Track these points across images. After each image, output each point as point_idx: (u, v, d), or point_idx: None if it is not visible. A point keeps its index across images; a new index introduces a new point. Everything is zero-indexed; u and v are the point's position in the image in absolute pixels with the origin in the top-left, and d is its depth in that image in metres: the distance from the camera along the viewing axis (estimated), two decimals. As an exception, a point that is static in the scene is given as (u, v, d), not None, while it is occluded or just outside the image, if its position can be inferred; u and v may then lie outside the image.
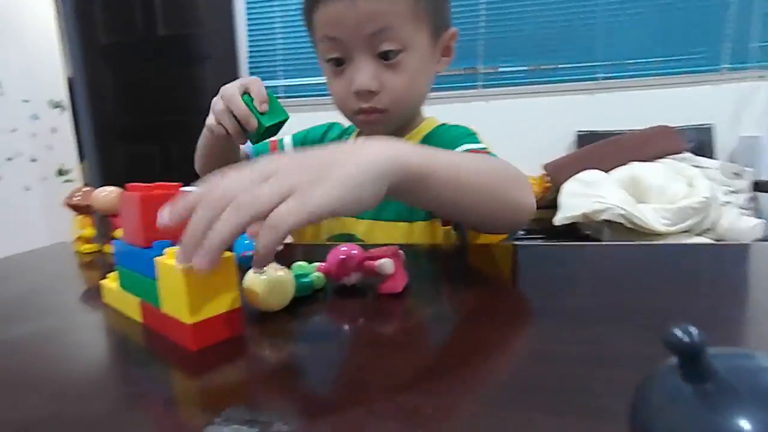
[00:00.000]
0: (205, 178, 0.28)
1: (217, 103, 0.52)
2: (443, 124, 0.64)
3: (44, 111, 3.17)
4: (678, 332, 0.09)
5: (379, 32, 0.51)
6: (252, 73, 2.31)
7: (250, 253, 0.42)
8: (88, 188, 0.52)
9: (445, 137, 0.59)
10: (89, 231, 0.54)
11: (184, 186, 0.33)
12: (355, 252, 0.36)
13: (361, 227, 0.60)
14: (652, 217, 1.49)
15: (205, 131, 0.57)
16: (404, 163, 0.31)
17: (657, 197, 1.57)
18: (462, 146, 0.55)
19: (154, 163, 2.40)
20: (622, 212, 1.48)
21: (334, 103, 0.59)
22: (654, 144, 1.76)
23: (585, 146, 2.01)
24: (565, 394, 0.20)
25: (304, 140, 0.71)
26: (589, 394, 0.20)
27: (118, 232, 0.35)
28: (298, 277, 0.34)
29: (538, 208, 1.66)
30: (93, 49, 2.43)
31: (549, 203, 1.85)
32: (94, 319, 0.36)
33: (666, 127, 1.78)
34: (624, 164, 1.73)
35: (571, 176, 1.79)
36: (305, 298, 0.35)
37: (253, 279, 0.32)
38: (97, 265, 0.50)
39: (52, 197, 3.12)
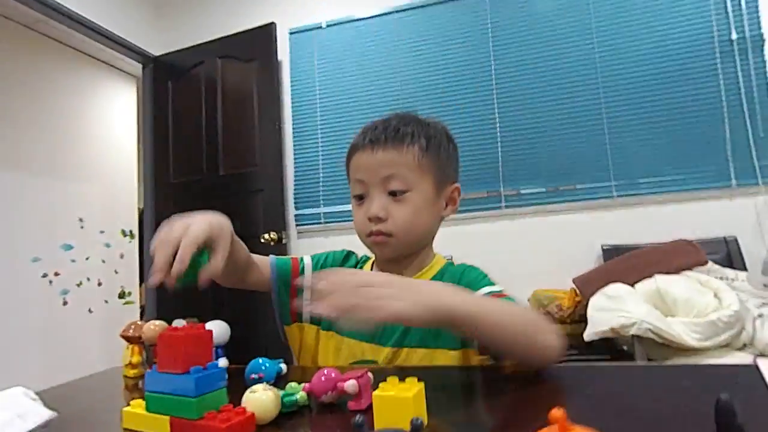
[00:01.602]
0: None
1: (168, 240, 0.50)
2: (450, 263, 0.75)
3: (116, 239, 3.60)
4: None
5: (390, 176, 0.67)
6: (297, 202, 2.61)
7: (257, 376, 0.52)
8: (140, 322, 0.66)
9: (463, 279, 0.69)
10: (136, 358, 0.66)
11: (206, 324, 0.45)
12: (333, 375, 0.45)
13: (382, 354, 0.67)
14: (683, 331, 1.45)
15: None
16: (455, 306, 0.47)
17: (685, 310, 1.54)
18: (483, 289, 0.65)
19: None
20: (649, 326, 1.46)
21: (356, 230, 0.72)
22: (675, 257, 1.77)
23: (610, 260, 2.04)
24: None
25: (324, 262, 0.79)
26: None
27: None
28: (285, 395, 0.44)
29: (571, 322, 1.65)
30: (164, 187, 2.85)
31: (581, 318, 1.84)
32: None
33: (685, 241, 1.81)
34: (648, 277, 1.73)
35: (598, 289, 1.80)
36: (293, 412, 0.44)
37: (247, 397, 0.42)
38: (139, 387, 0.61)
39: (111, 318, 3.38)
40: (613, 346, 1.78)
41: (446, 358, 0.65)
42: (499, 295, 0.64)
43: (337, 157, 2.58)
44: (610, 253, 2.12)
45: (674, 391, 0.47)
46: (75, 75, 3.32)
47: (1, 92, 2.17)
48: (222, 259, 0.52)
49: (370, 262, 0.79)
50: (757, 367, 0.49)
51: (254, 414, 0.40)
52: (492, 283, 0.68)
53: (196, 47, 2.79)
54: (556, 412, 0.17)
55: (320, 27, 2.66)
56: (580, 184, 2.26)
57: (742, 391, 0.45)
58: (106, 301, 3.41)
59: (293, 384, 0.46)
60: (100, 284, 3.38)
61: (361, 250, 0.78)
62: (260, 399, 0.42)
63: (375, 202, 0.67)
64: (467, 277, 0.70)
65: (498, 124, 2.38)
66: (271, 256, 0.78)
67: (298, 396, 0.45)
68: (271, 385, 0.45)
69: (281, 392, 0.44)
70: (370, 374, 0.45)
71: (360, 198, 0.70)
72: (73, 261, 3.18)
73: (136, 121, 3.77)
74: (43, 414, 0.41)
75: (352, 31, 2.61)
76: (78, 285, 3.20)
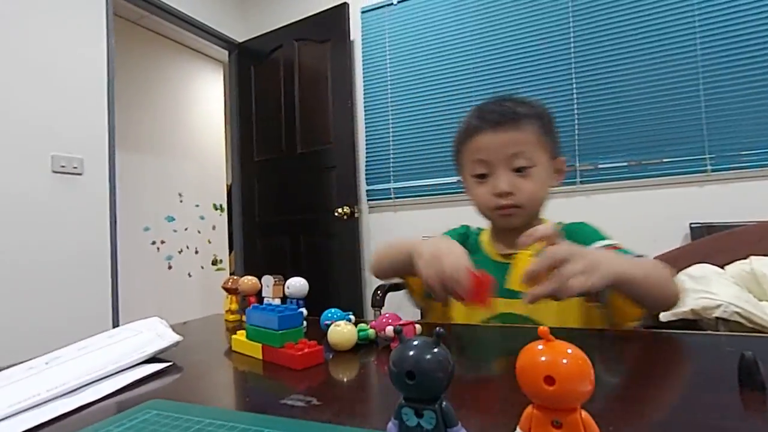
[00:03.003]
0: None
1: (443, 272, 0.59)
2: (560, 223, 0.81)
3: (209, 212, 4.01)
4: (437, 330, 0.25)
5: (516, 154, 0.73)
6: (368, 178, 2.72)
7: (329, 322, 0.61)
8: (236, 277, 0.79)
9: (578, 235, 0.75)
10: (234, 306, 0.79)
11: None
12: (385, 320, 0.56)
13: (518, 305, 0.74)
14: (777, 317, 1.34)
15: (406, 254, 0.70)
16: (622, 273, 0.56)
17: (782, 295, 1.41)
18: (599, 242, 0.73)
19: (285, 253, 2.85)
20: (737, 310, 1.36)
21: (475, 204, 0.79)
22: (776, 237, 1.61)
23: (698, 239, 1.90)
24: None
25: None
26: None
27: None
28: (360, 331, 0.56)
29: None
30: (248, 164, 3.11)
31: (658, 299, 1.75)
32: (233, 355, 0.57)
33: (790, 218, 1.63)
34: (743, 258, 1.60)
35: (682, 270, 1.70)
36: (365, 344, 0.57)
37: (333, 331, 0.54)
38: (236, 329, 0.74)
39: (206, 282, 3.81)
40: (694, 330, 1.69)
41: (575, 302, 0.73)
42: (614, 247, 0.71)
43: (407, 135, 2.63)
44: (700, 231, 1.97)
45: (715, 355, 0.48)
46: (173, 64, 3.69)
47: (121, 83, 2.50)
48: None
49: (485, 233, 0.87)
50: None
51: (322, 348, 0.51)
52: (605, 237, 0.75)
53: (275, 32, 2.96)
54: (543, 329, 0.22)
55: (391, 3, 2.68)
56: (667, 158, 2.10)
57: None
58: (202, 267, 3.84)
59: (363, 324, 0.59)
60: (197, 252, 3.80)
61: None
62: (342, 331, 0.54)
63: (502, 178, 0.73)
64: (582, 233, 0.77)
65: (575, 93, 2.27)
66: None
67: (368, 332, 0.57)
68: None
69: (357, 328, 0.56)
70: (417, 326, 0.56)
71: (481, 176, 0.76)
72: (175, 231, 3.61)
73: (223, 105, 4.10)
74: (174, 336, 0.54)
75: (423, 7, 2.61)
76: (179, 252, 3.63)
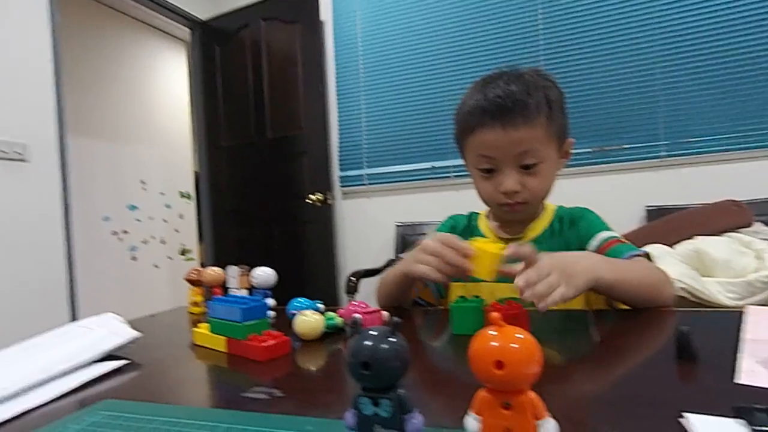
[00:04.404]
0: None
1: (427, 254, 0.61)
2: (561, 207, 0.82)
3: (175, 200, 3.88)
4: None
5: (524, 152, 0.69)
6: (341, 164, 2.69)
7: (296, 311, 0.61)
8: (200, 268, 0.77)
9: (581, 222, 0.77)
10: (199, 298, 0.78)
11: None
12: (353, 308, 0.56)
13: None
14: (717, 291, 1.44)
15: (399, 274, 0.71)
16: (600, 279, 0.57)
17: (723, 271, 1.51)
18: (601, 234, 0.74)
19: (257, 242, 2.80)
20: (683, 285, 1.45)
21: (482, 198, 0.77)
22: (719, 218, 1.72)
23: (653, 221, 2.00)
24: None
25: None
26: None
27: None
28: (328, 319, 0.56)
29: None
30: (216, 150, 3.02)
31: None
32: (197, 349, 0.56)
33: (732, 201, 1.74)
34: (689, 238, 1.70)
35: (638, 251, 1.79)
36: (333, 333, 0.57)
37: (298, 320, 0.54)
38: (200, 321, 0.73)
39: (174, 273, 3.70)
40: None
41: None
42: (617, 241, 0.72)
43: (381, 119, 2.61)
44: (655, 214, 2.08)
45: (658, 330, 0.51)
46: (133, 43, 3.50)
47: (72, 63, 2.36)
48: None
49: (483, 217, 0.87)
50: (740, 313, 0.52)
51: (289, 339, 0.51)
52: (609, 228, 0.75)
53: (241, 10, 2.84)
54: (495, 315, 0.23)
55: (362, -15, 2.63)
56: (627, 145, 2.19)
57: (717, 329, 0.49)
58: (170, 258, 3.72)
59: (331, 313, 0.59)
60: (163, 242, 3.68)
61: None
62: (308, 321, 0.54)
63: (509, 177, 0.70)
64: (585, 221, 0.77)
65: (541, 82, 2.31)
66: None
67: (337, 320, 0.57)
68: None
69: (325, 317, 0.56)
70: (384, 312, 0.56)
71: (487, 171, 0.73)
72: (139, 220, 3.48)
73: (188, 87, 3.94)
74: (131, 333, 0.52)
75: (393, -12, 2.56)
76: (144, 243, 3.51)
